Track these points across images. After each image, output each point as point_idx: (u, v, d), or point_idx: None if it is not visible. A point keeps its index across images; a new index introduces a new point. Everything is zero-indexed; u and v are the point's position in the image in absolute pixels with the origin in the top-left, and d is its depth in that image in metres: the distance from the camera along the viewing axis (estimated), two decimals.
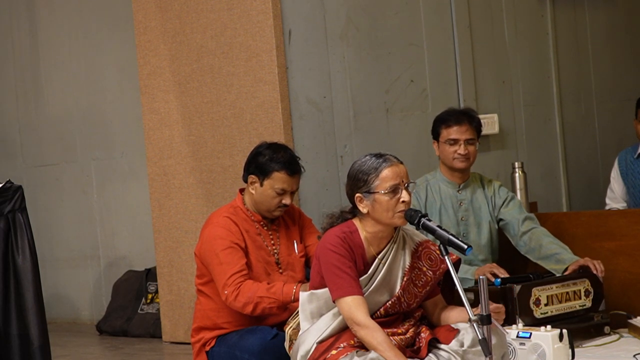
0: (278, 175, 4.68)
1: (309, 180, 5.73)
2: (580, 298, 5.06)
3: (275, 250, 4.77)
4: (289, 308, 4.53)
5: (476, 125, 5.32)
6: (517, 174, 5.99)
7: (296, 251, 4.81)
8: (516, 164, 6.02)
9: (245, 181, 4.78)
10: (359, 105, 6.02)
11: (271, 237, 4.78)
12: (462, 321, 4.08)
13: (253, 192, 4.73)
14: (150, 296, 6.90)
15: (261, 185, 4.70)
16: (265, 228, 4.78)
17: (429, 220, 4.06)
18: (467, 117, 5.30)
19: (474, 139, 5.29)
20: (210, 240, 4.64)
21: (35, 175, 7.87)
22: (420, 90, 6.29)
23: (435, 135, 5.35)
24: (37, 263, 4.40)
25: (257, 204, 4.74)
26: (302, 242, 4.86)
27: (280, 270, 4.75)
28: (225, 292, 4.53)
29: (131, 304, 6.96)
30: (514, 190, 5.92)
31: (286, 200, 4.70)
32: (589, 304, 5.08)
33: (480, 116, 6.44)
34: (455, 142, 5.26)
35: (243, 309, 4.52)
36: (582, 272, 5.09)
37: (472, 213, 5.35)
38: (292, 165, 4.72)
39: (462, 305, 3.88)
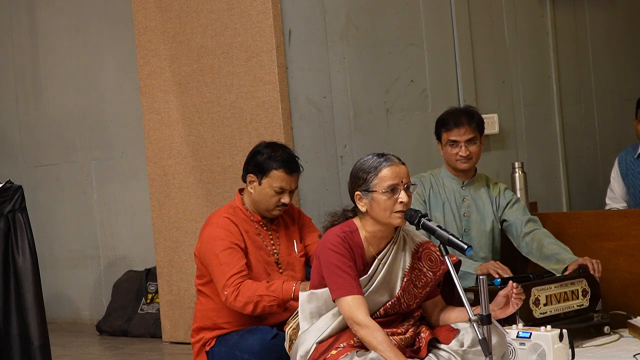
0: (276, 174, 4.68)
1: (309, 180, 5.73)
2: (577, 298, 5.07)
3: (275, 250, 4.77)
4: (289, 308, 4.53)
5: (477, 124, 5.29)
6: (517, 174, 5.99)
7: (296, 251, 4.81)
8: (516, 164, 6.02)
9: (245, 181, 4.78)
10: (359, 105, 6.02)
11: (271, 237, 4.78)
12: (461, 321, 4.09)
13: (252, 191, 4.73)
14: (150, 296, 6.90)
15: (259, 184, 4.70)
16: (265, 228, 4.78)
17: (429, 220, 4.06)
18: (466, 117, 5.27)
19: (475, 138, 5.27)
20: (210, 240, 4.64)
21: (35, 175, 7.87)
22: (420, 90, 6.29)
23: (437, 136, 5.35)
24: (37, 263, 4.40)
25: (255, 203, 4.74)
26: (302, 242, 4.86)
27: (280, 270, 4.75)
28: (225, 292, 4.53)
29: (131, 304, 6.96)
30: (514, 190, 5.92)
31: (285, 200, 4.69)
32: (586, 303, 5.09)
33: None
34: (455, 143, 5.26)
35: (243, 309, 4.52)
36: (580, 272, 5.10)
37: (475, 210, 5.35)
38: (290, 163, 4.71)
39: (462, 305, 3.88)
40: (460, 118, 5.27)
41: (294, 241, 4.83)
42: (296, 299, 4.39)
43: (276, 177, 4.68)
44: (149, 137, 6.34)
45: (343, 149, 5.93)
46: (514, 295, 4.03)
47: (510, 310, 4.05)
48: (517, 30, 6.84)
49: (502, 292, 4.06)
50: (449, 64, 6.45)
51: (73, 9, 7.58)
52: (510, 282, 4.07)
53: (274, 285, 4.50)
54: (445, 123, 5.30)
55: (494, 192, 5.39)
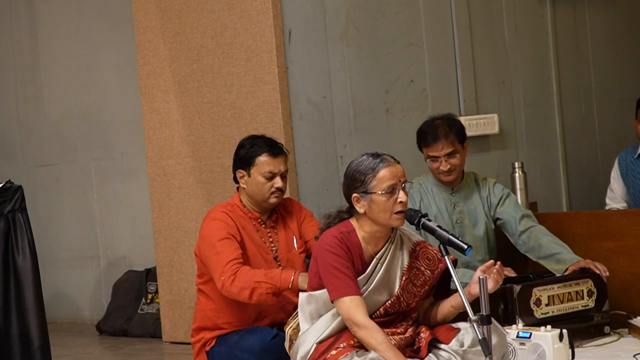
0: (262, 160, 4.70)
1: (309, 180, 5.73)
2: (582, 298, 5.05)
3: (274, 247, 4.77)
4: (286, 307, 4.53)
5: (456, 135, 5.20)
6: (517, 174, 5.98)
7: (295, 247, 4.81)
8: (516, 164, 6.02)
9: (237, 181, 4.79)
10: (359, 105, 6.02)
11: (269, 234, 4.79)
12: (453, 309, 4.11)
13: (245, 186, 4.74)
14: (150, 296, 6.90)
15: (249, 175, 4.71)
16: (263, 226, 4.79)
17: (429, 220, 4.07)
18: (444, 131, 5.17)
19: (455, 151, 5.19)
20: (207, 234, 4.65)
21: (35, 175, 7.87)
22: (420, 90, 6.29)
23: (419, 148, 5.32)
24: (37, 263, 4.40)
25: (252, 197, 4.74)
26: (302, 238, 4.85)
27: (280, 267, 4.74)
28: (222, 278, 4.50)
29: (131, 304, 6.96)
30: (514, 190, 5.92)
31: (278, 184, 4.70)
32: (592, 304, 5.07)
33: (480, 116, 6.46)
34: (435, 159, 5.23)
35: (239, 294, 4.48)
36: (586, 272, 5.08)
37: (467, 215, 5.33)
38: (273, 147, 4.74)
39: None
40: (438, 132, 5.17)
41: (293, 237, 4.83)
42: (294, 288, 4.40)
43: (263, 163, 4.70)
44: (149, 137, 6.34)
45: (343, 149, 5.93)
46: (494, 270, 4.01)
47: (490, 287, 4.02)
48: (517, 30, 6.84)
49: (480, 268, 4.06)
50: (449, 64, 6.45)
51: (73, 9, 7.58)
52: (492, 261, 4.07)
53: (273, 273, 4.48)
54: (423, 138, 5.24)
55: (484, 192, 5.37)
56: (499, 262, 4.08)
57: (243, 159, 4.74)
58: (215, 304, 4.70)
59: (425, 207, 5.29)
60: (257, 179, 4.70)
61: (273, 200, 4.73)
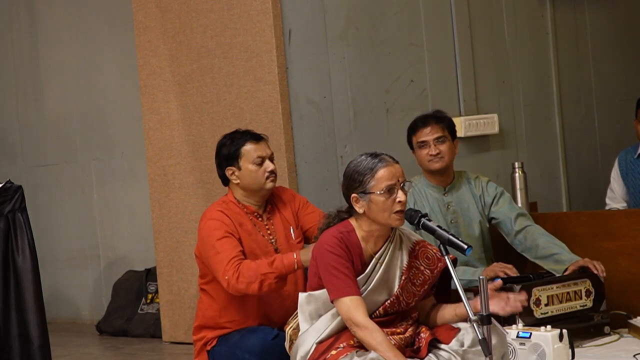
0: (247, 149, 4.74)
1: (309, 180, 5.73)
2: (581, 298, 5.06)
3: (273, 239, 4.78)
4: (287, 305, 4.54)
5: (446, 125, 5.27)
6: (517, 174, 5.98)
7: (293, 237, 4.83)
8: (516, 164, 6.02)
9: (226, 183, 4.80)
10: (359, 105, 6.02)
11: (266, 226, 4.80)
12: (456, 319, 4.10)
13: (238, 181, 4.76)
14: (150, 296, 6.90)
15: (240, 169, 4.74)
16: (260, 219, 4.80)
17: (429, 220, 4.07)
18: (433, 118, 5.27)
19: (444, 137, 5.23)
20: (205, 235, 4.67)
21: (35, 175, 7.87)
22: (420, 90, 6.29)
23: (410, 144, 5.34)
24: (37, 263, 4.40)
25: (248, 189, 4.75)
26: (300, 227, 4.86)
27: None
28: (226, 277, 4.52)
29: (131, 304, 6.96)
30: (513, 190, 5.92)
31: (270, 167, 4.75)
32: (590, 304, 5.07)
33: (480, 116, 6.45)
34: (424, 144, 5.24)
35: (247, 289, 4.50)
36: (583, 272, 5.09)
37: (461, 214, 5.32)
38: (252, 134, 4.80)
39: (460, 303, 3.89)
40: (427, 119, 5.27)
41: (290, 227, 4.84)
42: (300, 268, 4.48)
43: (249, 151, 4.74)
44: (149, 137, 6.34)
45: (343, 149, 5.93)
46: (511, 297, 4.03)
47: (499, 309, 4.03)
48: (517, 30, 6.84)
49: (492, 286, 4.07)
50: (449, 64, 6.45)
51: (73, 8, 7.58)
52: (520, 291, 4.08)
53: (276, 261, 4.51)
54: (413, 127, 5.31)
55: (477, 191, 5.37)
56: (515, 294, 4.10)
57: (228, 156, 4.77)
58: (218, 304, 4.71)
59: (420, 209, 5.28)
60: (249, 168, 4.72)
61: (269, 185, 4.76)
